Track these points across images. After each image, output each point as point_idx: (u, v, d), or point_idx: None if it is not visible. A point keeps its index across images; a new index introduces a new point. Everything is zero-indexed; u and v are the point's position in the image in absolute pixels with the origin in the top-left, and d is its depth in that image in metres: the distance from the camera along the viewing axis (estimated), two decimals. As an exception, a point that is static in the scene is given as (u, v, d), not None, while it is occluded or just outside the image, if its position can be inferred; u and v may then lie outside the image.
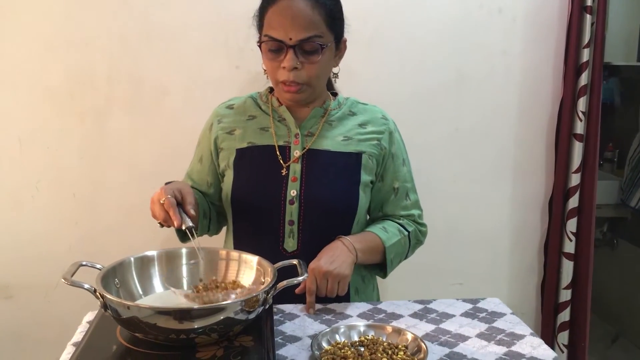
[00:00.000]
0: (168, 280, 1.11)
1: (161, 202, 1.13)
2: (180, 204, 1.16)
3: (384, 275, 1.43)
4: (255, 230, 1.36)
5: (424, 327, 1.19)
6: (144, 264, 1.13)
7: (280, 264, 1.14)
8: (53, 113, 1.88)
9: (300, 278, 1.05)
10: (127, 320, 0.95)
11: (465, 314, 1.26)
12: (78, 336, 1.11)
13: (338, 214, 1.36)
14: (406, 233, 1.41)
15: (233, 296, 1.04)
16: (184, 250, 1.16)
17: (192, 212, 1.15)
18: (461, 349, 1.10)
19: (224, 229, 1.50)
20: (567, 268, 2.05)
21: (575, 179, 2.00)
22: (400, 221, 1.43)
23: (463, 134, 2.04)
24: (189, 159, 1.49)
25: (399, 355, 1.04)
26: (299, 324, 1.20)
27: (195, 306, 0.94)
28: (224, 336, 0.99)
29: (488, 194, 2.10)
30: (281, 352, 1.07)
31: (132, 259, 1.11)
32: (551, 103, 2.05)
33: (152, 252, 1.14)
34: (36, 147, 1.89)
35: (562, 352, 2.06)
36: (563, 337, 2.07)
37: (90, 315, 1.20)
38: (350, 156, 1.36)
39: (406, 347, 1.08)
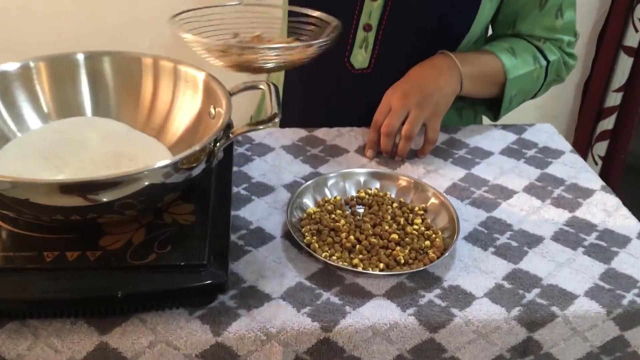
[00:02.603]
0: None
1: None
2: None
3: (495, 117, 1.01)
4: None
5: (449, 173, 0.84)
6: (10, 80, 0.72)
7: (240, 85, 0.73)
8: None
9: (266, 118, 0.65)
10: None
11: (508, 151, 0.90)
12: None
13: (440, 27, 0.91)
14: (544, 63, 0.95)
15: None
16: (81, 56, 0.75)
17: None
18: (503, 213, 0.76)
19: None
20: (624, 66, 1.68)
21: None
22: (540, 44, 0.96)
23: None
24: None
25: (414, 226, 0.71)
26: (272, 164, 0.84)
27: (95, 177, 0.56)
28: (147, 211, 0.64)
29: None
30: (242, 212, 0.74)
31: None
32: None
33: (14, 64, 0.72)
34: None
35: (596, 164, 1.79)
36: (600, 148, 1.80)
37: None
38: None
39: (425, 210, 0.74)
